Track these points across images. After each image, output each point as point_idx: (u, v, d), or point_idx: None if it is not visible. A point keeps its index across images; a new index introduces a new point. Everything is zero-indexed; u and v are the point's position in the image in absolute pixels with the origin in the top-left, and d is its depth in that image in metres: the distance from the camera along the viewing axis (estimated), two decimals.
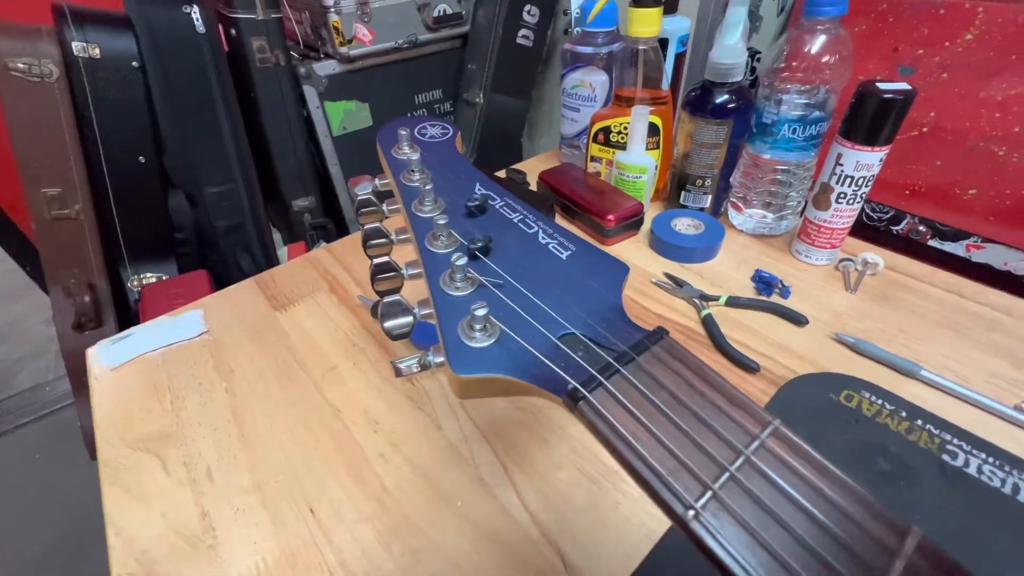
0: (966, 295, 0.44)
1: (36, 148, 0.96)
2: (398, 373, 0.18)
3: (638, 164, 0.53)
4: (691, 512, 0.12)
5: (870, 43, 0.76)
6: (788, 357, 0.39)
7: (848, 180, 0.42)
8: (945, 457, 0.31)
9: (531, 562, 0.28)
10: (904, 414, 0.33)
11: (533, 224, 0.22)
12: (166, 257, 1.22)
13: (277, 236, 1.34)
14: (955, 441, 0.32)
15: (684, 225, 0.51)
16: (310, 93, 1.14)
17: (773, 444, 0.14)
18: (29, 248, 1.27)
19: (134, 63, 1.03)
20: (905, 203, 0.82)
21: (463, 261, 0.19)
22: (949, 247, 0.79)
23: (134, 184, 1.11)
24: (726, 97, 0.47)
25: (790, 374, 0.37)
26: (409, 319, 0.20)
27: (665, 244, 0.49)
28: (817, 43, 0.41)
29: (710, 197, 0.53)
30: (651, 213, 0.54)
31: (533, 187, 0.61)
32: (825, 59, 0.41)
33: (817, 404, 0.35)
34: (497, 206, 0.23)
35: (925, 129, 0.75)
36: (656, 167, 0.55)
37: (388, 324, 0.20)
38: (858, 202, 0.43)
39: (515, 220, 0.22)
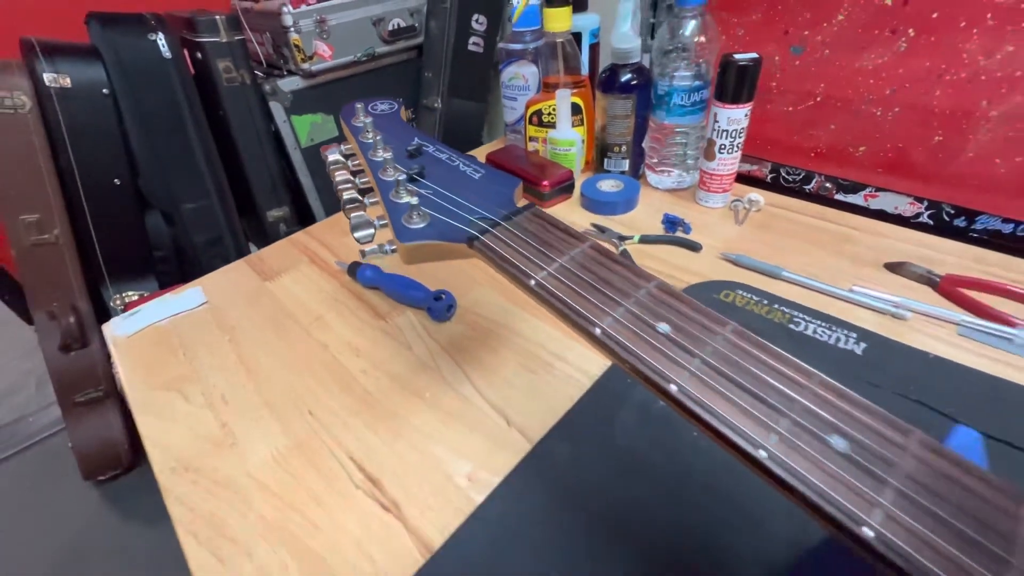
0: (828, 219, 0.54)
1: (12, 177, 0.99)
2: (361, 243, 0.27)
3: (567, 139, 0.62)
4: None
5: (766, 28, 0.88)
6: (686, 274, 0.49)
7: (725, 133, 0.52)
8: (791, 325, 0.41)
9: (484, 425, 0.37)
10: (766, 302, 0.43)
11: (456, 159, 0.31)
12: (146, 275, 1.26)
13: (253, 248, 1.39)
14: (799, 315, 0.42)
15: (608, 185, 0.61)
16: (277, 109, 1.21)
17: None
18: (5, 279, 1.29)
19: (104, 90, 1.08)
20: (812, 164, 0.94)
21: (403, 177, 0.27)
22: (851, 199, 0.91)
23: (111, 206, 1.15)
24: (629, 76, 0.57)
25: (686, 286, 0.47)
26: (371, 231, 0.29)
27: (593, 201, 0.59)
28: (689, 27, 0.52)
29: (628, 161, 0.63)
30: (583, 180, 0.64)
31: None
32: (697, 39, 0.52)
33: (703, 303, 0.44)
34: (430, 151, 0.32)
35: (819, 99, 0.87)
36: (583, 141, 0.64)
37: (358, 234, 0.29)
38: (736, 151, 0.53)
39: (443, 158, 0.31)
